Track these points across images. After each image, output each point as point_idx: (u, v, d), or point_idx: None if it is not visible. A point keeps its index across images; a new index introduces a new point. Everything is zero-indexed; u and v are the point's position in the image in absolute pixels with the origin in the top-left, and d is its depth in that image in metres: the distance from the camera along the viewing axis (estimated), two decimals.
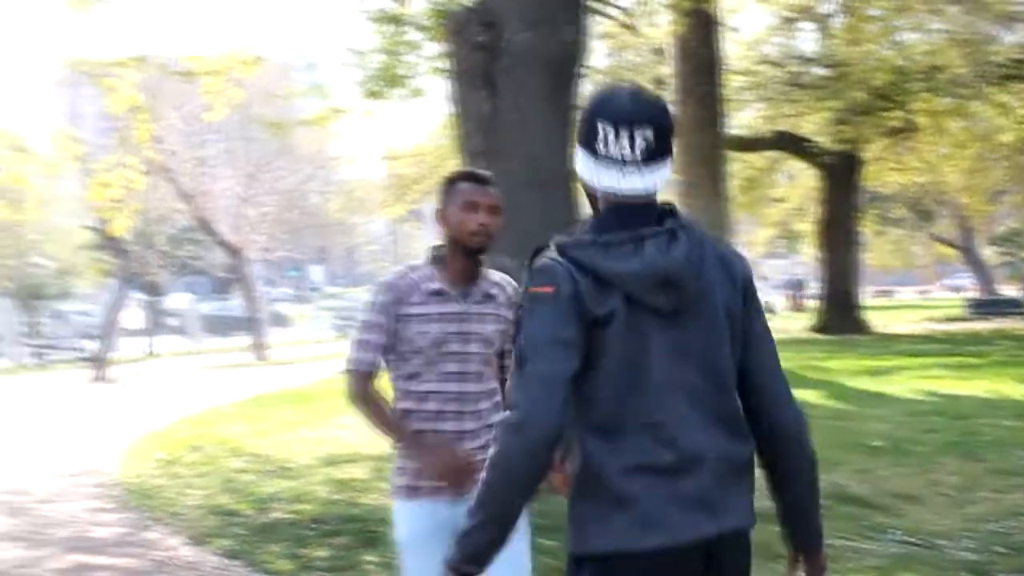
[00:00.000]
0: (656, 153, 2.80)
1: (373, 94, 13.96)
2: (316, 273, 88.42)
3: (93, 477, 11.52)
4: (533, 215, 9.25)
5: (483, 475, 2.65)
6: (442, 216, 4.07)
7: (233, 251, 35.16)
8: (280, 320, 54.97)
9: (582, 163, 2.88)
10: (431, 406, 3.97)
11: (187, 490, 10.31)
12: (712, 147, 19.91)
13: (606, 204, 2.85)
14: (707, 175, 19.78)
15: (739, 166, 28.55)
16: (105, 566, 7.62)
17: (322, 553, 7.56)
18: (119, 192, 14.73)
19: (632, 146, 2.77)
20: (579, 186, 3.00)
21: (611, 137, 2.78)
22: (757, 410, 2.86)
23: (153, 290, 50.82)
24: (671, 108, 2.94)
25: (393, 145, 36.69)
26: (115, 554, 7.99)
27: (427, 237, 70.60)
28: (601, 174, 2.82)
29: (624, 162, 2.78)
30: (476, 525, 2.66)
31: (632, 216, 2.79)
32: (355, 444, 12.44)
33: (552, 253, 2.77)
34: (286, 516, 8.83)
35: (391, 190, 31.90)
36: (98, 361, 27.25)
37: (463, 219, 3.99)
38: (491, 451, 2.64)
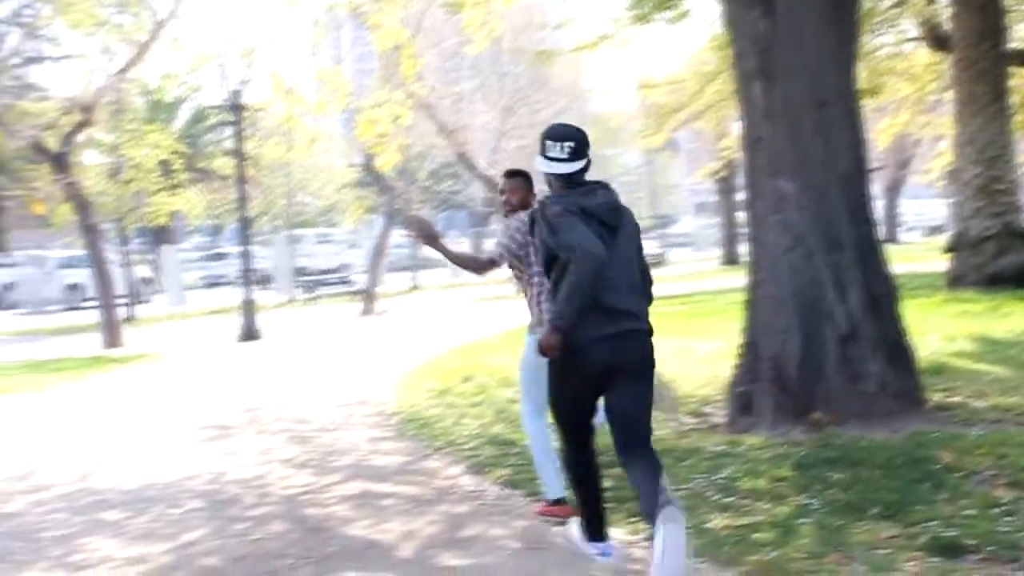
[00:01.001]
0: (575, 153, 5.53)
1: (640, 18, 13.62)
2: None
3: (370, 407, 11.78)
4: (814, 135, 8.85)
5: (569, 280, 5.22)
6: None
7: (491, 185, 35.49)
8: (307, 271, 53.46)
9: (541, 162, 5.58)
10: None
11: (462, 420, 10.39)
12: (992, 61, 18.66)
13: (559, 181, 5.57)
14: (985, 92, 18.60)
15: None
16: (389, 493, 7.73)
17: (604, 483, 7.43)
18: (387, 128, 14.94)
19: (562, 150, 5.52)
20: (543, 178, 5.69)
21: (552, 146, 5.54)
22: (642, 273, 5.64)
23: None
24: (586, 133, 5.67)
25: (648, 74, 36.13)
26: (398, 482, 8.10)
27: (682, 167, 69.83)
28: (548, 165, 5.55)
29: (559, 159, 5.53)
30: (567, 303, 5.22)
31: (575, 184, 5.54)
32: None
33: (552, 200, 5.48)
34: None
35: (649, 119, 31.44)
36: (366, 294, 28.07)
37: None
38: (572, 270, 5.21)
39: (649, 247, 45.77)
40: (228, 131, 40.12)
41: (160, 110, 46.97)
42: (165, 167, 30.05)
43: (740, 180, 45.05)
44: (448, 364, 14.77)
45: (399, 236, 36.10)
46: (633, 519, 6.59)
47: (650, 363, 5.51)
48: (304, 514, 7.25)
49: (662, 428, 9.16)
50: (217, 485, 8.32)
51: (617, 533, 6.41)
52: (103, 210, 29.25)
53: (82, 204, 22.24)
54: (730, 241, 42.36)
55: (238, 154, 23.97)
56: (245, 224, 25.10)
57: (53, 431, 11.46)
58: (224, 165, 44.96)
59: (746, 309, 9.35)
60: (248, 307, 22.10)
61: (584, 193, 5.45)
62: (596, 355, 5.32)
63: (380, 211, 30.54)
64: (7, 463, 9.67)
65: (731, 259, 41.24)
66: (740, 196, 47.67)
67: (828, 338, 8.76)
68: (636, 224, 5.62)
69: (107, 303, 21.93)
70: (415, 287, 39.23)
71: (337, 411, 11.70)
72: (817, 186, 8.82)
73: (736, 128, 33.40)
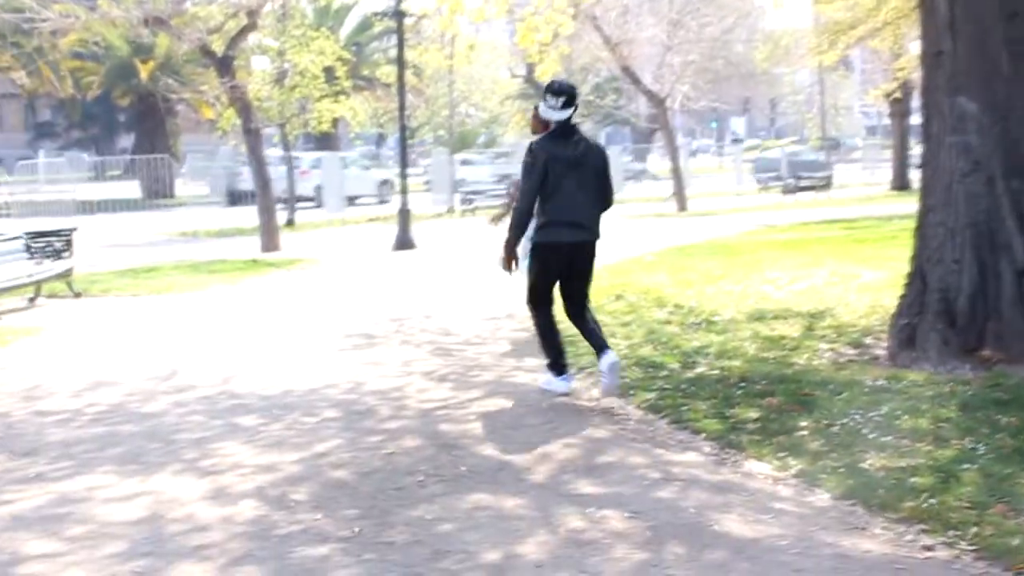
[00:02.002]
0: (566, 104, 7.82)
1: None
2: (737, 124, 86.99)
3: (516, 321, 11.53)
4: (1001, 50, 8.18)
5: (512, 217, 8.06)
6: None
7: (656, 100, 34.77)
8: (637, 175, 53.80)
9: (542, 108, 7.90)
10: None
11: (610, 339, 9.99)
12: None
13: (549, 126, 7.87)
14: None
15: None
16: (528, 413, 7.47)
17: (751, 414, 7.06)
18: (547, 36, 14.53)
19: (556, 102, 7.82)
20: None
21: (549, 99, 7.86)
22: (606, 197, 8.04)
23: None
24: (575, 88, 8.09)
25: None
26: (538, 401, 7.85)
27: (854, 88, 67.55)
28: (548, 113, 7.83)
29: (555, 108, 7.82)
30: (513, 231, 7.94)
31: (564, 128, 7.85)
32: (782, 300, 11.83)
33: (534, 145, 7.82)
34: (712, 372, 8.39)
35: (822, 36, 30.22)
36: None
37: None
38: (514, 210, 8.13)
39: (815, 169, 44.50)
40: (393, 39, 40.14)
41: (327, 17, 47.21)
42: (329, 74, 30.17)
43: (915, 102, 43.39)
44: (599, 281, 14.33)
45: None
46: (781, 454, 6.22)
47: (592, 258, 8.13)
48: (439, 430, 7.05)
49: (819, 358, 8.74)
50: (355, 395, 8.19)
51: (764, 468, 6.07)
52: (267, 115, 29.55)
53: (245, 107, 22.40)
54: (901, 165, 40.87)
55: (400, 62, 23.80)
56: (405, 133, 25.01)
57: (201, 333, 11.53)
58: (388, 73, 45.13)
59: (915, 237, 8.77)
60: (404, 216, 22.06)
61: (562, 142, 7.82)
62: (557, 255, 7.93)
63: None
64: (154, 363, 9.72)
65: (901, 184, 39.82)
66: (914, 119, 45.96)
67: (1004, 271, 8.14)
68: (602, 161, 8.02)
69: (266, 207, 22.13)
70: None
71: (483, 324, 11.49)
72: (1001, 106, 8.14)
73: (914, 47, 32.08)
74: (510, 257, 8.07)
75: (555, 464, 6.23)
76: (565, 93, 7.89)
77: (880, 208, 28.97)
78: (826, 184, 38.68)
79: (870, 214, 26.52)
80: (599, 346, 7.95)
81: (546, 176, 7.71)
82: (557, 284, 8.10)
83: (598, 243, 8.03)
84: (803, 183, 38.30)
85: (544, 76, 16.58)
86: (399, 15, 22.81)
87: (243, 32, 22.18)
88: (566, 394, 8.01)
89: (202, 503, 5.71)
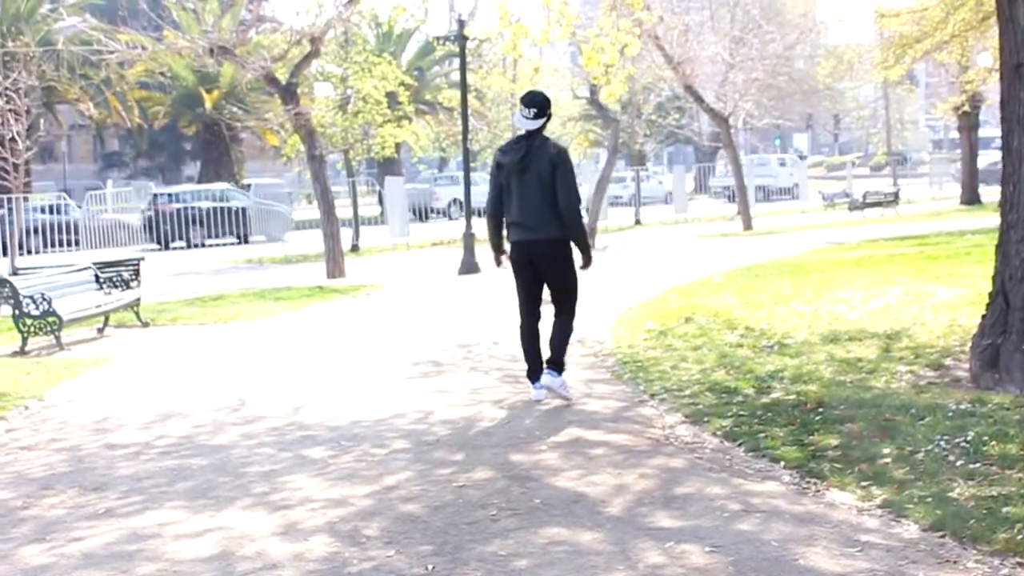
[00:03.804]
0: (537, 116, 8.42)
1: None
2: (801, 141, 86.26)
3: (586, 346, 11.38)
4: None
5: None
6: None
7: (719, 119, 34.51)
8: (766, 190, 53.99)
9: (516, 117, 8.72)
10: None
11: (681, 364, 9.90)
12: None
13: (518, 133, 8.69)
14: None
15: None
16: (601, 442, 7.32)
17: (832, 441, 6.86)
18: (612, 57, 14.41)
19: (529, 112, 8.42)
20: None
21: (523, 109, 8.48)
22: (558, 200, 8.34)
23: (639, 160, 51.37)
24: (547, 98, 8.60)
25: (888, 3, 34.31)
26: (611, 430, 7.69)
27: (919, 102, 66.75)
28: (520, 122, 8.54)
29: (527, 118, 8.43)
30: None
31: (524, 135, 8.52)
32: (856, 320, 11.58)
33: (497, 151, 8.82)
34: (788, 397, 8.19)
35: (888, 50, 29.83)
36: (588, 230, 27.66)
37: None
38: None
39: (881, 185, 43.96)
40: (455, 63, 40.20)
41: (389, 42, 47.51)
42: (392, 99, 30.26)
43: (983, 115, 42.64)
44: (668, 303, 14.27)
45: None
46: (865, 483, 6.02)
47: (552, 258, 8.46)
48: (510, 460, 6.92)
49: (897, 381, 8.51)
50: (424, 425, 8.08)
51: (848, 497, 5.88)
52: (331, 141, 29.69)
53: (310, 134, 22.48)
54: (971, 179, 40.25)
55: (463, 86, 23.78)
56: (468, 157, 24.97)
57: (270, 362, 11.50)
58: (450, 97, 45.26)
59: (997, 254, 8.51)
60: (469, 240, 21.98)
61: (511, 149, 8.54)
62: (517, 254, 8.54)
63: (604, 145, 29.96)
64: (222, 393, 9.69)
65: (971, 198, 39.21)
66: (983, 133, 45.25)
67: None
68: (549, 164, 8.30)
69: (331, 233, 22.17)
70: (638, 222, 38.66)
71: None
72: None
73: (982, 59, 31.57)
74: (495, 253, 8.90)
75: (631, 496, 6.07)
76: (537, 105, 8.45)
77: (950, 223, 28.50)
78: (893, 200, 38.13)
79: (940, 229, 26.08)
80: (548, 361, 8.61)
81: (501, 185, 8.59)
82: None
83: (559, 243, 8.43)
84: (870, 199, 37.79)
85: (611, 97, 16.55)
86: (461, 39, 22.76)
87: (306, 59, 22.26)
88: (537, 400, 8.59)
89: (273, 539, 5.62)
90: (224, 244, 32.74)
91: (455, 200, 45.18)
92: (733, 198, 38.09)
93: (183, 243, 31.10)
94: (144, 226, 34.28)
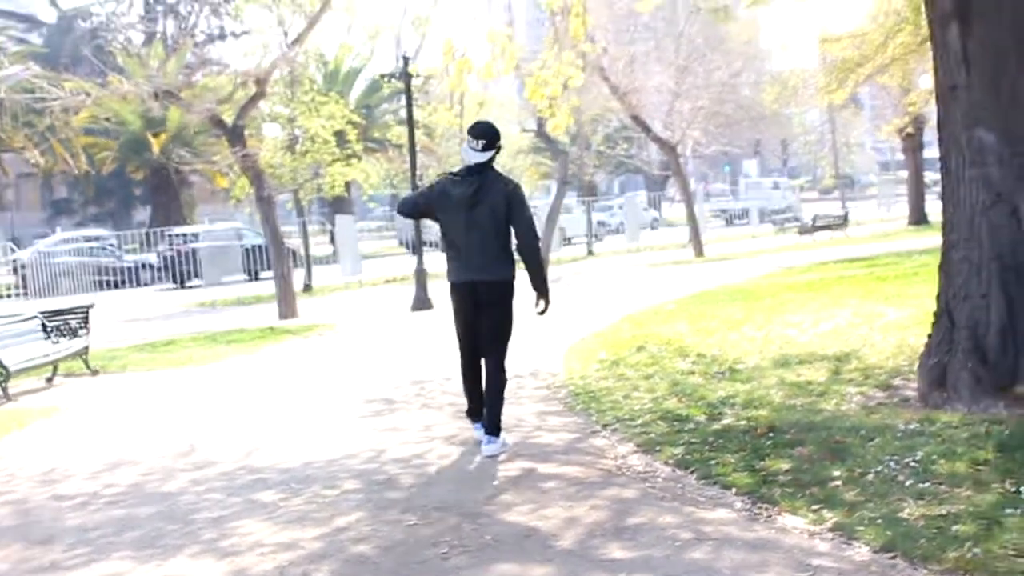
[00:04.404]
0: (486, 147, 7.98)
1: None
2: (750, 167, 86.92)
3: (539, 378, 11.38)
4: (1018, 79, 8.05)
5: None
6: None
7: (667, 148, 34.73)
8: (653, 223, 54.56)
9: (463, 148, 8.17)
10: None
11: (633, 393, 9.91)
12: None
13: (467, 165, 8.04)
14: None
15: None
16: (553, 475, 7.28)
17: (783, 465, 6.87)
18: (556, 90, 14.43)
19: (477, 144, 7.98)
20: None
21: (471, 141, 8.02)
22: (517, 240, 7.94)
23: (589, 191, 51.53)
24: (496, 130, 8.14)
25: (830, 29, 34.70)
26: (563, 462, 7.66)
27: (865, 125, 67.42)
28: (467, 154, 8.04)
29: (475, 150, 7.99)
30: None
31: (474, 168, 7.97)
32: (807, 343, 11.64)
33: (439, 179, 8.36)
34: (739, 422, 8.20)
35: (831, 75, 30.14)
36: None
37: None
38: None
39: (830, 208, 44.39)
40: (403, 100, 40.26)
41: (336, 82, 47.47)
42: (340, 138, 30.23)
43: (927, 136, 43.16)
44: (621, 333, 14.29)
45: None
46: (816, 506, 6.02)
47: (497, 300, 8.01)
48: (461, 497, 6.86)
49: (847, 403, 8.54)
50: (375, 464, 8.01)
51: (799, 522, 5.87)
52: (280, 181, 29.59)
53: (257, 176, 22.38)
54: (918, 200, 40.70)
55: (409, 122, 23.79)
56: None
57: (220, 406, 11.38)
58: (399, 134, 45.17)
59: (940, 273, 8.59)
60: (421, 276, 21.93)
61: (460, 183, 7.98)
62: (459, 294, 8.09)
63: (554, 177, 30.06)
64: (172, 439, 9.57)
65: (919, 218, 39.65)
66: (927, 153, 45.80)
67: None
68: (503, 200, 7.87)
69: (282, 274, 22.06)
70: (590, 253, 38.76)
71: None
72: (1020, 135, 7.99)
73: (923, 81, 31.97)
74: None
75: (583, 528, 6.03)
76: (486, 136, 8.04)
77: (899, 244, 28.79)
78: (842, 223, 38.48)
79: (889, 250, 26.32)
80: (485, 428, 8.10)
81: (440, 215, 8.13)
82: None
83: (506, 285, 8.03)
84: (819, 223, 38.12)
85: (557, 130, 16.54)
86: (406, 76, 22.80)
87: (252, 101, 22.18)
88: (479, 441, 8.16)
89: None
90: (236, 282, 32.61)
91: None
92: (731, 221, 38.26)
93: (200, 281, 31.13)
94: (162, 266, 35.03)
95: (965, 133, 8.19)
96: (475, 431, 8.38)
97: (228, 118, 22.47)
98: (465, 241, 7.97)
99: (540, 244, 8.40)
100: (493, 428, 8.06)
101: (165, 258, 34.92)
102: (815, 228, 37.59)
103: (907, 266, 20.15)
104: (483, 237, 7.91)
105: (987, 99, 8.11)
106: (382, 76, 35.88)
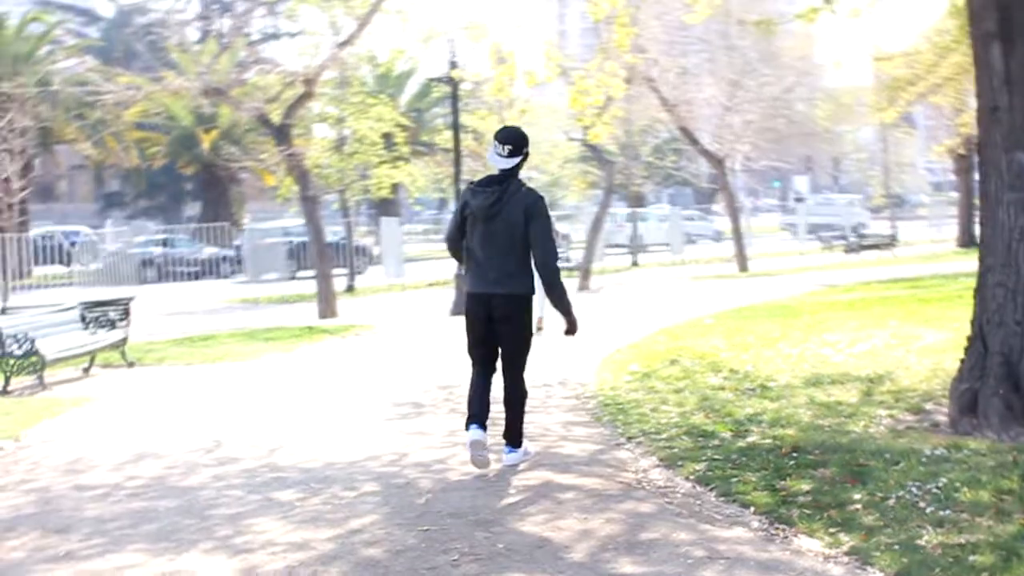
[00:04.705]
0: (512, 153, 7.62)
1: None
2: (800, 183, 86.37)
3: (569, 388, 11.35)
4: None
5: None
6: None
7: (715, 161, 34.56)
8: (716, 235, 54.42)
9: (490, 154, 7.83)
10: None
11: (662, 407, 9.84)
12: None
13: (488, 175, 7.74)
14: None
15: None
16: (571, 486, 7.24)
17: (803, 486, 6.79)
18: (598, 99, 14.43)
19: (503, 150, 7.62)
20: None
21: (496, 146, 7.68)
22: (534, 257, 7.57)
23: (637, 201, 51.44)
24: (524, 135, 7.77)
25: (883, 47, 34.44)
26: (584, 473, 7.61)
27: (919, 145, 66.90)
28: (493, 159, 7.71)
29: (501, 156, 7.63)
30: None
31: (496, 177, 7.66)
32: (841, 363, 11.53)
33: (465, 190, 7.94)
34: (764, 441, 8.12)
35: (882, 93, 29.95)
36: (582, 271, 27.67)
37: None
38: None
39: (879, 227, 43.96)
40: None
41: (387, 84, 47.65)
42: (388, 140, 30.32)
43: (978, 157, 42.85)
44: (655, 345, 14.22)
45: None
46: (833, 529, 5.94)
47: (511, 315, 7.68)
48: (478, 504, 6.83)
49: (876, 425, 8.44)
50: (396, 467, 8.01)
51: (815, 544, 5.80)
52: (327, 182, 29.73)
53: (303, 175, 22.50)
54: (967, 222, 40.29)
55: (455, 126, 23.85)
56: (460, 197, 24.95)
57: (250, 403, 11.43)
58: (448, 139, 45.23)
59: (975, 298, 8.48)
60: (461, 281, 21.93)
61: (481, 192, 7.63)
62: (474, 305, 7.80)
63: (601, 186, 30.00)
64: (199, 434, 9.62)
65: (968, 240, 39.24)
66: (979, 175, 45.33)
67: None
68: (524, 218, 7.50)
69: (323, 274, 22.15)
70: (635, 264, 38.65)
71: (534, 392, 11.10)
72: None
73: (974, 103, 31.61)
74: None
75: (596, 541, 5.99)
76: (512, 142, 7.66)
77: (946, 266, 28.46)
78: (890, 243, 38.12)
79: (936, 272, 26.04)
80: (505, 436, 8.03)
81: (465, 223, 7.76)
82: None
83: (520, 299, 7.66)
84: (866, 242, 37.80)
85: (596, 139, 16.54)
86: (452, 81, 22.86)
87: (300, 101, 22.31)
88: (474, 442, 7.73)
89: None
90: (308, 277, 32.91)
91: None
92: (854, 247, 37.91)
93: (275, 275, 31.41)
94: (238, 259, 35.36)
95: (1005, 156, 8.09)
96: (469, 433, 7.81)
97: (276, 117, 22.59)
98: (482, 254, 7.65)
99: (558, 263, 7.81)
100: (511, 438, 7.96)
101: (240, 251, 35.19)
102: (862, 247, 37.25)
103: (951, 288, 19.91)
104: (500, 251, 7.57)
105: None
106: (430, 80, 36.00)
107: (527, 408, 10.11)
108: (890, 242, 38.18)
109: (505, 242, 7.55)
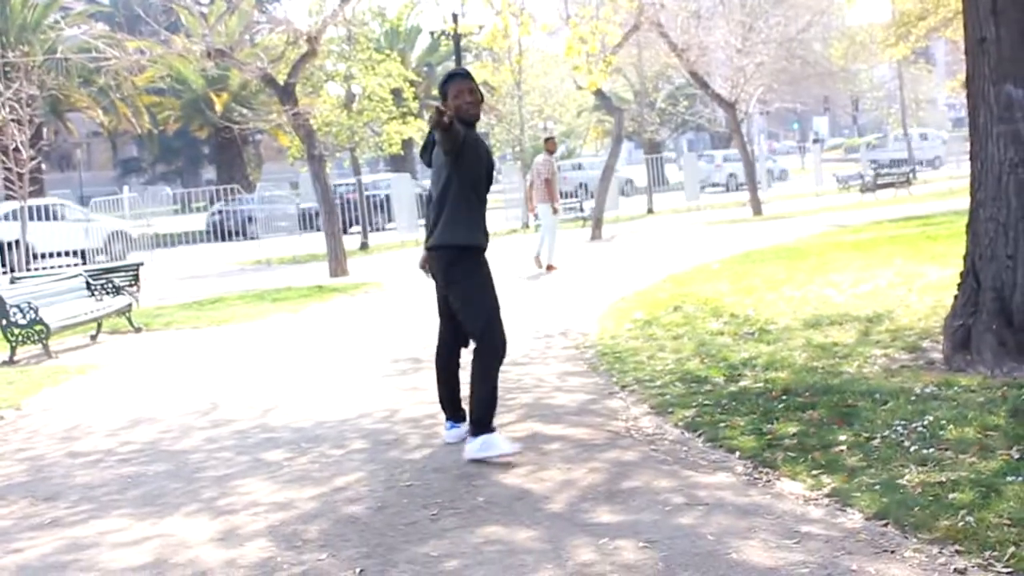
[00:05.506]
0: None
1: None
2: (820, 124, 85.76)
3: (569, 339, 11.31)
4: None
5: None
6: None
7: (726, 104, 34.27)
8: (781, 174, 54.19)
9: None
10: None
11: (658, 354, 9.80)
12: None
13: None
14: None
15: None
16: (558, 436, 7.20)
17: (790, 429, 6.74)
18: (594, 47, 14.27)
19: None
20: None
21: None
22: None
23: (652, 148, 51.14)
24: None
25: None
26: (573, 423, 7.57)
27: (938, 81, 66.19)
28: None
29: None
30: None
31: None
32: (842, 304, 11.44)
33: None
34: (756, 385, 8.07)
35: (894, 29, 29.56)
36: (594, 220, 27.55)
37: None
38: None
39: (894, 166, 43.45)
40: (467, 59, 40.06)
41: (398, 39, 47.44)
42: (398, 96, 30.21)
43: None
44: (661, 292, 14.15)
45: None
46: (816, 471, 5.90)
47: (447, 272, 6.91)
48: (463, 458, 6.81)
49: (870, 365, 8.38)
50: (387, 424, 8.00)
51: (797, 487, 5.76)
52: (337, 139, 29.66)
53: (308, 134, 22.42)
54: None
55: None
56: None
57: (252, 364, 11.45)
58: None
59: (967, 234, 8.39)
60: None
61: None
62: (428, 263, 7.23)
63: (614, 135, 29.76)
64: (197, 397, 9.64)
65: None
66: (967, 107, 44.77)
67: None
68: (442, 155, 6.77)
69: (332, 232, 22.14)
70: (650, 211, 38.47)
71: (534, 343, 11.26)
72: None
73: None
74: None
75: (576, 491, 5.96)
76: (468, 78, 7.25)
77: (961, 202, 28.13)
78: (907, 180, 37.76)
79: (950, 209, 25.80)
80: (469, 420, 6.89)
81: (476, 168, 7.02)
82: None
83: (455, 252, 6.86)
84: (882, 180, 37.45)
85: (592, 87, 16.37)
86: (455, 35, 22.70)
87: (304, 59, 22.19)
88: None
89: (209, 546, 5.55)
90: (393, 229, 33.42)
91: None
92: (869, 187, 37.34)
93: (358, 228, 31.53)
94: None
95: (993, 88, 7.96)
96: (444, 433, 7.33)
97: (282, 77, 22.51)
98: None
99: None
100: (478, 423, 6.80)
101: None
102: (877, 186, 36.90)
103: (961, 224, 19.62)
104: (434, 196, 7.01)
105: (1017, 53, 7.87)
106: (433, 33, 35.81)
107: (529, 359, 10.15)
108: (906, 180, 37.80)
109: (437, 186, 6.94)
